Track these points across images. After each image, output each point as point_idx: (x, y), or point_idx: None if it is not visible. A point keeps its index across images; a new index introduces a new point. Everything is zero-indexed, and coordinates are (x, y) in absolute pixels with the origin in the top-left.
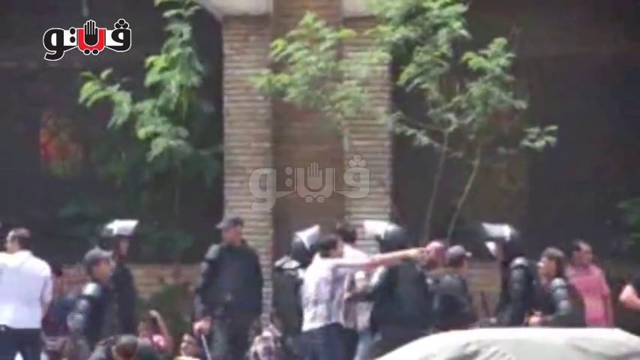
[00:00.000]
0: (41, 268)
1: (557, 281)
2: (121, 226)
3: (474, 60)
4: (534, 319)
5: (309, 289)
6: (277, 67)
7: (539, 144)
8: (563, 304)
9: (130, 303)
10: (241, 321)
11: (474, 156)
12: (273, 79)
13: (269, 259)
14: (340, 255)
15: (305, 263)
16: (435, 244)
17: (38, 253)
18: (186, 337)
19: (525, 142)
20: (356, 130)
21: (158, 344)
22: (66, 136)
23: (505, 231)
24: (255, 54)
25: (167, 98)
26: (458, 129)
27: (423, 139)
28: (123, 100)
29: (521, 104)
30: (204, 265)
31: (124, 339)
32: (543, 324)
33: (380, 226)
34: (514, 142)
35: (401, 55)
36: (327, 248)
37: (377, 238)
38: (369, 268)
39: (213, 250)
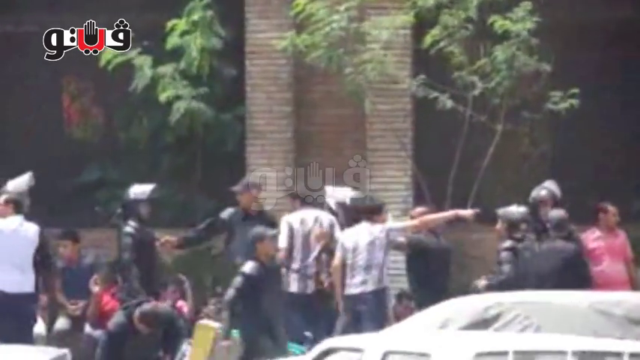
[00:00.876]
0: (34, 231)
1: (507, 243)
2: (138, 190)
3: (499, 23)
4: (482, 282)
5: (359, 255)
6: (299, 29)
7: (562, 106)
8: (505, 268)
9: (151, 267)
10: None
11: (497, 120)
12: (296, 40)
13: None
14: (384, 220)
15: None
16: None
17: (60, 217)
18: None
19: (549, 105)
20: (378, 94)
21: (181, 309)
22: (87, 100)
23: (347, 194)
24: (277, 17)
25: (188, 62)
26: (482, 93)
27: (447, 103)
28: (144, 64)
29: (546, 68)
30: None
31: (147, 307)
32: (489, 287)
33: (341, 192)
34: (538, 106)
35: (425, 17)
36: (372, 213)
37: (340, 204)
38: (419, 229)
39: (227, 212)
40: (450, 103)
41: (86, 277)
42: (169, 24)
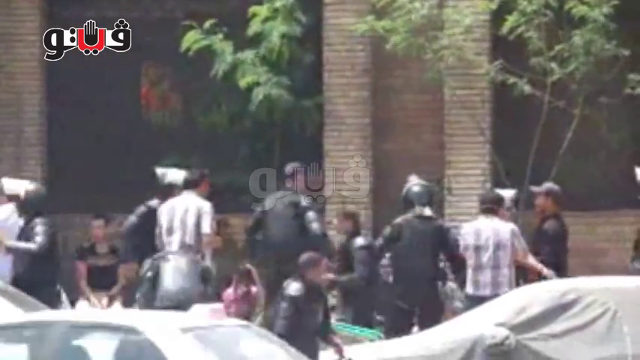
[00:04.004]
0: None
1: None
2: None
3: (577, 8)
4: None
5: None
6: (377, 15)
7: None
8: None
9: None
10: None
11: (575, 105)
12: (376, 25)
13: (369, 212)
14: (504, 216)
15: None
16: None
17: (139, 204)
18: None
19: (627, 90)
20: (457, 80)
21: (257, 295)
22: (166, 86)
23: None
24: (355, 3)
25: (269, 48)
26: (560, 78)
27: (525, 88)
28: (225, 49)
29: (624, 52)
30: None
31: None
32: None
33: (19, 185)
34: (616, 91)
35: (503, 2)
36: (492, 203)
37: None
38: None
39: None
40: (528, 89)
41: None
42: (251, 10)
